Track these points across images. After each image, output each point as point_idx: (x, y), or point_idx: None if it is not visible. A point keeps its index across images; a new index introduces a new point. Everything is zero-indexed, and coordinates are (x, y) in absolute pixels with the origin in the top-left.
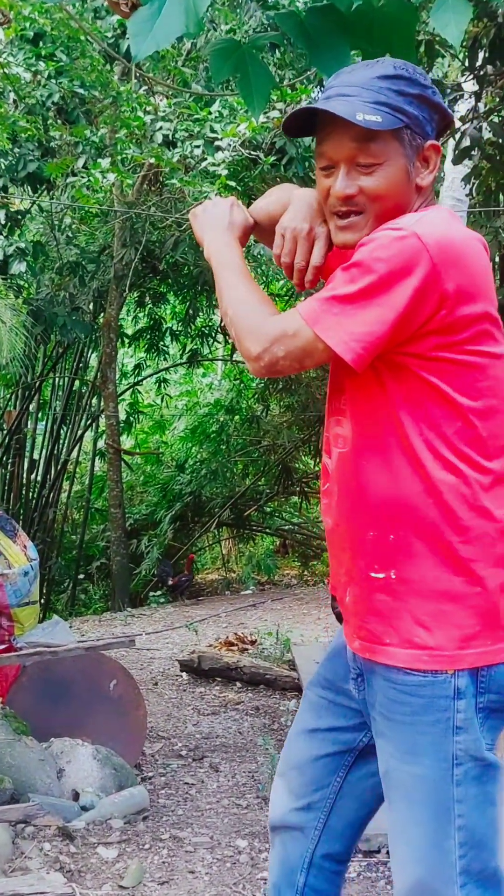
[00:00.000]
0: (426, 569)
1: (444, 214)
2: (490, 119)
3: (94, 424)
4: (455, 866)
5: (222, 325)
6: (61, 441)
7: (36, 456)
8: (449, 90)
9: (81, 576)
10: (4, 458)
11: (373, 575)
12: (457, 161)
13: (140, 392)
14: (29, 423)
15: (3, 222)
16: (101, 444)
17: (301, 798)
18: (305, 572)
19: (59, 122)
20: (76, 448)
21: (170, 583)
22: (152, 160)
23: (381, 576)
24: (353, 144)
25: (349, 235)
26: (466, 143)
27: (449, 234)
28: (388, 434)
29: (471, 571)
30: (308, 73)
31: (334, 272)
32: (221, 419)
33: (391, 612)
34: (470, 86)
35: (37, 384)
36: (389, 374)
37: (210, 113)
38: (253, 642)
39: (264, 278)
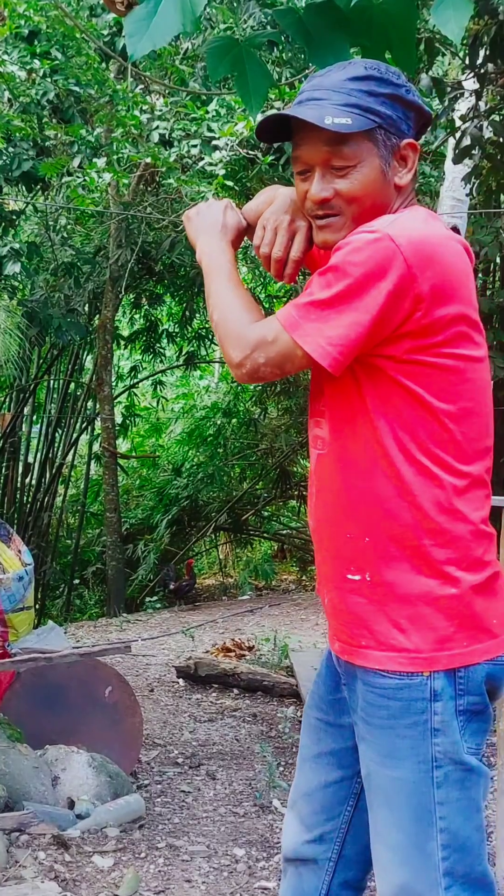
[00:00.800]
0: (401, 571)
1: (421, 215)
2: (491, 118)
3: (89, 427)
4: (438, 868)
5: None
6: (56, 444)
7: (31, 459)
8: (449, 88)
9: (77, 581)
10: None
11: (349, 577)
12: (457, 160)
13: (136, 395)
14: (23, 426)
15: None
16: (96, 447)
17: (312, 829)
18: (303, 577)
19: (54, 121)
20: (71, 451)
21: (171, 587)
22: (149, 160)
23: (356, 577)
24: (325, 148)
25: (328, 235)
26: (467, 142)
27: (424, 235)
28: (363, 436)
29: (446, 574)
30: (307, 71)
31: (311, 277)
32: (218, 422)
33: (367, 615)
34: (470, 84)
35: (31, 387)
36: (365, 377)
37: (207, 112)
38: (250, 648)
39: (262, 279)
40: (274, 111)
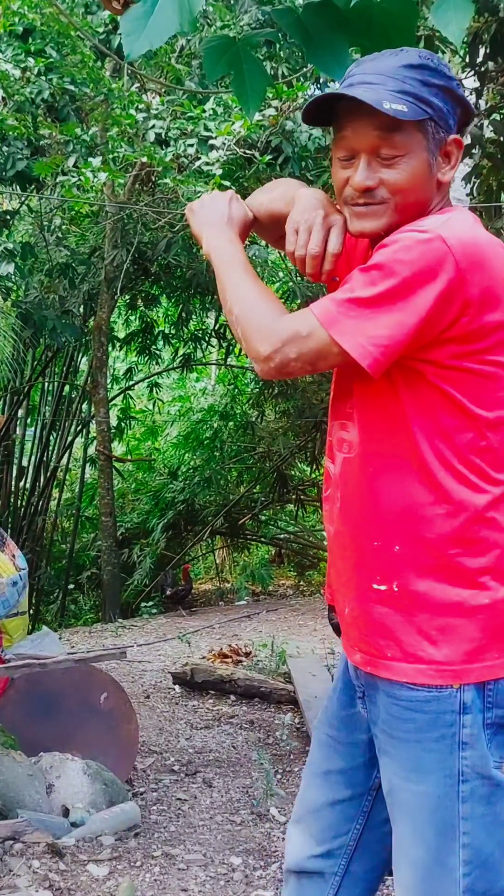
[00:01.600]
0: (433, 580)
1: (469, 217)
2: (491, 117)
3: (84, 430)
4: (459, 885)
5: (217, 327)
6: (51, 447)
7: (25, 463)
8: None
9: (71, 586)
10: None
11: (375, 587)
12: None
13: (132, 397)
14: (17, 429)
15: None
16: (91, 450)
17: (320, 845)
18: (301, 582)
19: (48, 119)
20: (66, 455)
21: (168, 592)
22: (144, 159)
23: (383, 588)
24: (376, 134)
25: (367, 223)
26: (467, 141)
27: (475, 238)
28: (398, 441)
29: (479, 584)
30: (305, 69)
31: (350, 273)
32: (215, 425)
33: (394, 626)
34: (470, 83)
35: (25, 389)
36: (403, 381)
37: (204, 111)
38: (247, 654)
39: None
40: (327, 92)
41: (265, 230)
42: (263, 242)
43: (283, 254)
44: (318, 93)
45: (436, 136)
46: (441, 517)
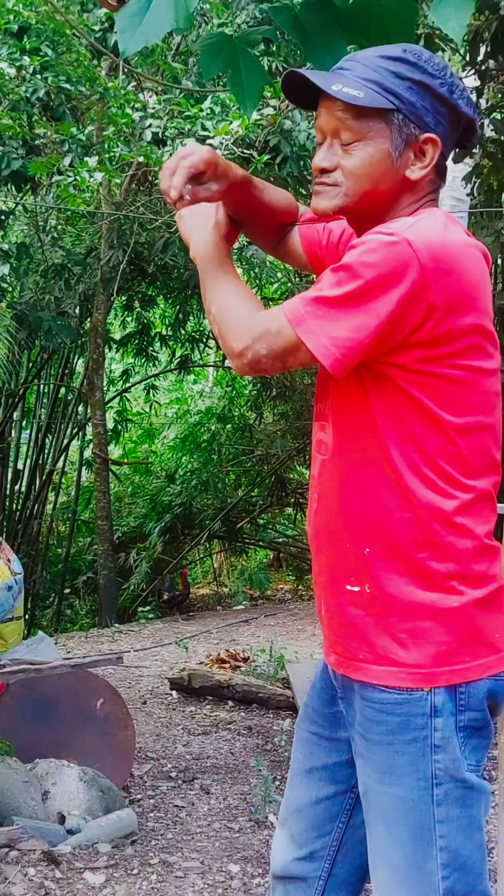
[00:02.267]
0: (402, 584)
1: (441, 219)
2: (492, 116)
3: (80, 433)
4: (438, 888)
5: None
6: (46, 450)
7: (20, 466)
8: None
9: (67, 590)
10: None
11: (348, 587)
12: (457, 159)
13: (128, 399)
14: (13, 431)
15: None
16: (87, 453)
17: (303, 847)
18: (300, 587)
19: (44, 119)
20: (62, 458)
21: (165, 597)
22: (141, 159)
23: (356, 589)
24: (337, 116)
25: (319, 201)
26: None
27: (443, 242)
28: (368, 444)
29: (448, 588)
30: (304, 68)
31: (323, 272)
32: (213, 428)
33: (366, 627)
34: (471, 81)
35: (21, 391)
36: (372, 384)
37: (201, 110)
38: (245, 659)
39: (257, 281)
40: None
41: (254, 232)
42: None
43: None
44: None
45: (403, 130)
46: (409, 521)
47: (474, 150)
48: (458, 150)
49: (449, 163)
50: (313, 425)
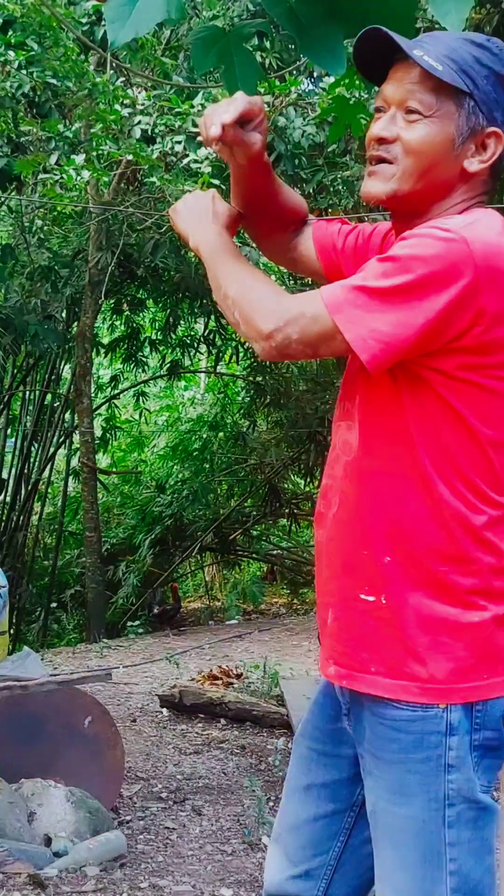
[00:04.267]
0: (422, 596)
1: (498, 222)
2: None
3: (67, 441)
4: None
5: (207, 333)
6: (32, 459)
7: (4, 475)
8: None
9: (54, 604)
10: None
11: (362, 597)
12: None
13: (117, 406)
14: None
15: None
16: (74, 462)
17: (298, 864)
18: (295, 601)
19: (29, 115)
20: (48, 467)
21: (155, 611)
22: (130, 157)
23: (371, 599)
24: (408, 87)
25: (373, 184)
26: None
27: (500, 245)
28: (397, 449)
29: (469, 603)
30: (298, 62)
31: (366, 262)
32: (204, 436)
33: (379, 639)
34: None
35: (5, 398)
36: (408, 387)
37: (192, 106)
38: (238, 676)
39: None
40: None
41: (252, 225)
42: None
43: None
44: (312, 87)
45: (471, 117)
46: (436, 532)
47: None
48: None
49: None
50: (337, 425)
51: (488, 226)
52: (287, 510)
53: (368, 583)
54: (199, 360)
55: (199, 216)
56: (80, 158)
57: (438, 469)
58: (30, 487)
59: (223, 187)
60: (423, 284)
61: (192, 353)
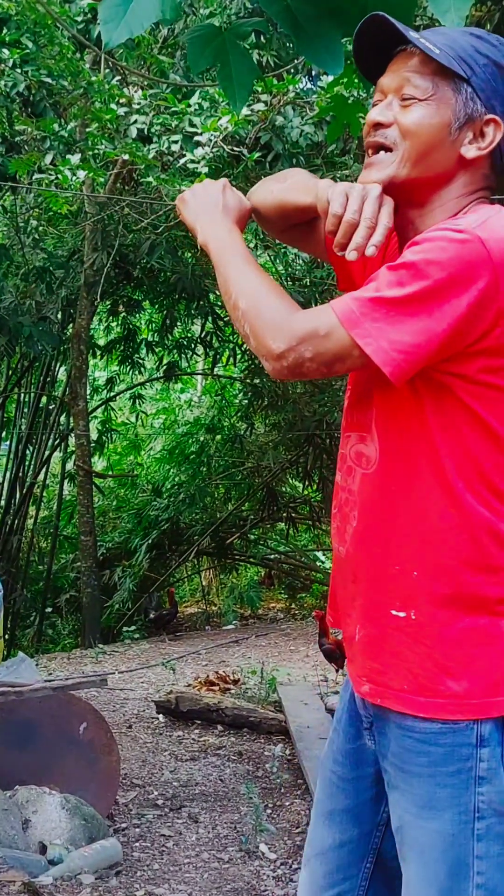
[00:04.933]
0: (452, 609)
1: None
2: None
3: (62, 444)
4: None
5: (204, 335)
6: (27, 462)
7: None
8: None
9: (49, 609)
10: None
11: (394, 613)
12: None
13: (113, 409)
14: None
15: None
16: (70, 465)
17: (328, 889)
18: (293, 605)
19: (24, 114)
20: (43, 470)
21: (151, 616)
22: (126, 156)
23: (402, 615)
24: (405, 74)
25: (369, 172)
26: None
27: None
28: (420, 459)
29: (500, 614)
30: (296, 61)
31: (376, 272)
32: (201, 439)
33: (410, 656)
34: None
35: (0, 401)
36: (429, 395)
37: (189, 105)
38: (235, 682)
39: None
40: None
41: (268, 221)
42: (252, 244)
43: (272, 257)
44: (310, 86)
45: (469, 105)
46: (464, 542)
47: None
48: None
49: None
50: (346, 436)
51: (501, 222)
52: (285, 514)
53: (399, 598)
54: (196, 362)
55: (209, 208)
56: (75, 158)
57: (463, 477)
58: (24, 491)
59: None
60: (441, 289)
61: (188, 355)
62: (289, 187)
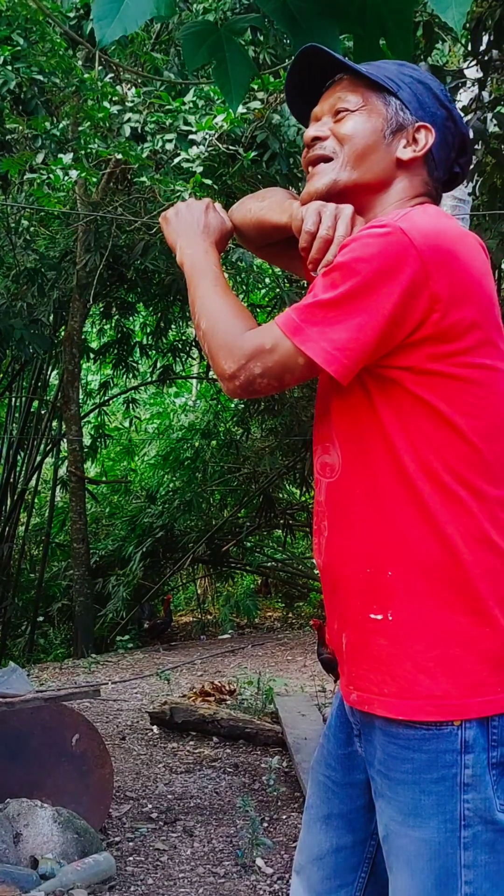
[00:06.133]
0: (428, 608)
1: (432, 210)
2: (496, 109)
3: (54, 450)
4: None
5: (196, 339)
6: (18, 468)
7: None
8: (450, 78)
9: (41, 618)
10: None
11: (371, 616)
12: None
13: (106, 414)
14: None
15: None
16: (62, 471)
17: (326, 895)
18: (290, 614)
19: (15, 113)
20: (35, 476)
21: (145, 625)
22: (119, 156)
23: (379, 617)
24: (336, 95)
25: (314, 181)
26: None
27: (438, 229)
28: (378, 459)
29: (478, 611)
30: (293, 58)
31: (315, 281)
32: (196, 444)
33: (389, 658)
34: (473, 72)
35: None
36: (379, 392)
37: (183, 103)
38: (231, 692)
39: (244, 287)
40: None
41: (248, 239)
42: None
43: None
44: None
45: (399, 114)
46: (433, 539)
47: (477, 147)
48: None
49: None
50: (314, 448)
51: (423, 212)
52: (282, 521)
53: (376, 601)
54: (191, 365)
55: (189, 228)
56: (67, 157)
57: (426, 471)
58: (16, 497)
59: (216, 187)
60: (371, 283)
61: (183, 359)
62: (266, 206)
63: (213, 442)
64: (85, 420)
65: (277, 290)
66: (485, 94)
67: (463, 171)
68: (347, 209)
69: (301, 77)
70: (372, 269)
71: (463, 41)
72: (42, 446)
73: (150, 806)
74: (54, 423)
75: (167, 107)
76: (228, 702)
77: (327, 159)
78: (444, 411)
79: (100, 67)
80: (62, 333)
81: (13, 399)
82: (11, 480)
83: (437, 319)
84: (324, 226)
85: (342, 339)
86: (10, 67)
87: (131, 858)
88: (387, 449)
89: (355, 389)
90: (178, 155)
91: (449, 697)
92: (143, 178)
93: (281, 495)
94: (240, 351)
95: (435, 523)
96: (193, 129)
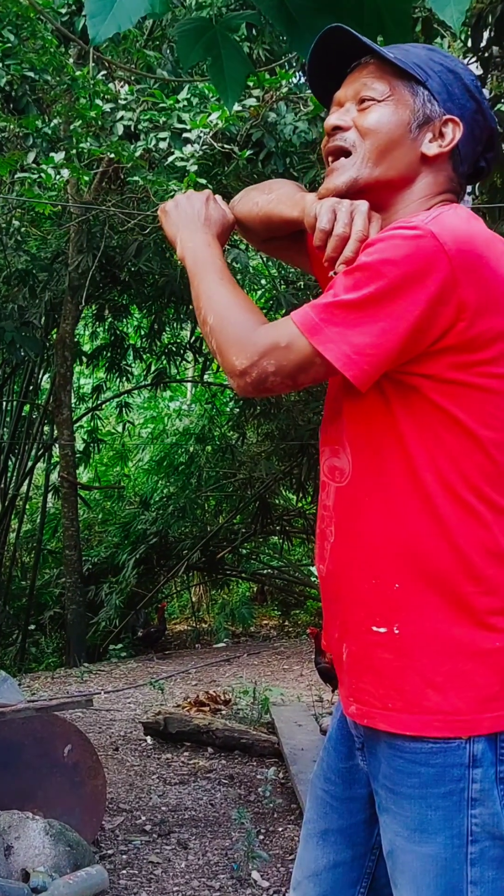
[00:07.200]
0: (438, 622)
1: (464, 212)
2: (496, 108)
3: (46, 455)
4: None
5: (193, 340)
6: (9, 474)
7: None
8: None
9: (32, 626)
10: None
11: (374, 629)
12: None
13: (99, 418)
14: None
15: None
16: (54, 477)
17: None
18: (286, 622)
19: (6, 111)
20: (26, 482)
21: (139, 634)
22: (112, 155)
23: (382, 630)
24: (362, 81)
25: (330, 178)
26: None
27: (470, 235)
28: (393, 467)
29: (490, 625)
30: (290, 55)
31: (335, 278)
32: (191, 449)
33: (395, 672)
34: (473, 69)
35: None
36: (398, 399)
37: (177, 101)
38: (226, 702)
39: (244, 288)
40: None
41: (251, 232)
42: (244, 246)
43: (266, 259)
44: (303, 81)
45: (426, 106)
46: (445, 551)
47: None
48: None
49: None
50: (322, 450)
51: (454, 215)
52: (278, 527)
53: (379, 613)
54: (186, 368)
55: (190, 221)
56: (59, 156)
57: (441, 482)
58: (6, 503)
59: (210, 186)
60: (398, 287)
61: (178, 362)
62: (275, 199)
63: (208, 447)
64: (77, 424)
65: (274, 292)
66: (485, 91)
67: (489, 166)
68: (363, 205)
69: (323, 57)
70: (400, 272)
71: (463, 38)
72: (33, 451)
73: (143, 818)
74: (46, 428)
75: (161, 104)
76: (223, 712)
77: (347, 153)
78: (464, 421)
79: (92, 65)
80: (54, 336)
81: (4, 403)
82: (2, 486)
83: (464, 328)
84: (339, 223)
85: (363, 344)
86: (0, 65)
87: (124, 871)
88: (402, 456)
89: (372, 394)
90: (172, 153)
91: (459, 713)
92: (136, 178)
93: (277, 501)
94: (253, 347)
95: (448, 535)
96: (188, 128)
